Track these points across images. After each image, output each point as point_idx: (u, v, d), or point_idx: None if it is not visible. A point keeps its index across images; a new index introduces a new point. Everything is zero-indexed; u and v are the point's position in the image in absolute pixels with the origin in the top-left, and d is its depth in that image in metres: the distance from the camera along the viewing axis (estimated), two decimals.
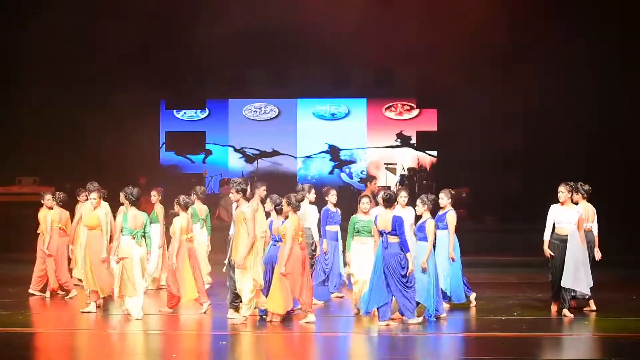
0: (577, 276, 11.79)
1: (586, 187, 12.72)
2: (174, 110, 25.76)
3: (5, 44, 21.91)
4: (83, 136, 22.28)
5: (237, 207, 11.68)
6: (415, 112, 25.41)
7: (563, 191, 12.07)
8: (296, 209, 11.61)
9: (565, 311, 11.91)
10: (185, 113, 25.83)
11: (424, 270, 11.65)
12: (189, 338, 11.11)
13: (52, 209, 13.87)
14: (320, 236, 13.27)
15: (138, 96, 23.08)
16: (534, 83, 22.27)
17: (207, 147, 25.63)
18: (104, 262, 12.35)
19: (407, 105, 25.46)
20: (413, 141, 25.25)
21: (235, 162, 25.54)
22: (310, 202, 13.19)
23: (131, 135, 22.97)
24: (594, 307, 12.37)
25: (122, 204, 12.20)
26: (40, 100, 21.85)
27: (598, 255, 12.52)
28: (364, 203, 12.06)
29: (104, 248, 12.36)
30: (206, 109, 25.74)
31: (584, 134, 21.94)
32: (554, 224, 12.06)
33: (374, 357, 10.46)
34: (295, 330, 11.58)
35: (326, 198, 13.47)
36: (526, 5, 21.60)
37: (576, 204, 12.73)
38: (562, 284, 11.83)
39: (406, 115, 25.50)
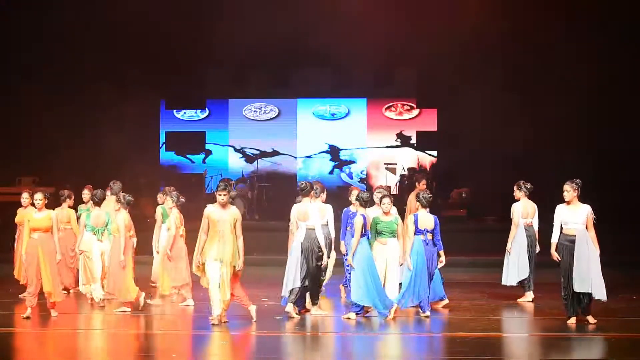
0: (589, 277, 11.26)
1: (528, 185, 13.67)
2: (174, 110, 25.77)
3: (5, 43, 21.91)
4: (83, 136, 22.30)
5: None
6: (415, 112, 25.41)
7: (569, 190, 11.57)
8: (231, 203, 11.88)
9: (590, 317, 11.45)
10: (185, 113, 25.83)
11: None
12: (189, 338, 11.10)
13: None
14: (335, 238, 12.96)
15: (138, 96, 23.11)
16: (534, 83, 22.29)
17: (207, 147, 25.63)
18: (58, 263, 12.25)
19: (407, 105, 25.46)
20: (413, 141, 25.25)
21: (235, 162, 25.54)
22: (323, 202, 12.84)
23: (131, 135, 22.99)
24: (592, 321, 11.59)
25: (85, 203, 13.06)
26: (40, 100, 21.85)
27: (538, 248, 13.36)
28: (386, 204, 11.99)
29: (59, 249, 12.22)
30: (206, 109, 25.74)
31: (584, 133, 21.94)
32: (561, 225, 11.50)
33: (374, 357, 10.47)
34: (296, 330, 11.59)
35: (349, 198, 13.27)
36: (526, 5, 21.61)
37: (517, 200, 13.25)
38: (575, 289, 11.31)
39: (406, 115, 25.50)
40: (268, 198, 23.40)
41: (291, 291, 12.01)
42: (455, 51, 22.03)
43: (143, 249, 14.33)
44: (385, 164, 24.15)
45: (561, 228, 11.50)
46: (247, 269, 11.81)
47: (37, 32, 21.68)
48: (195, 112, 25.81)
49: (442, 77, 23.10)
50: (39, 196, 12.07)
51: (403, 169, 23.83)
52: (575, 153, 21.82)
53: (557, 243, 11.48)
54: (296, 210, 12.20)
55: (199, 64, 24.49)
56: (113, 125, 22.52)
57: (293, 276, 11.98)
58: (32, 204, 12.61)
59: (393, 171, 23.86)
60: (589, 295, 11.31)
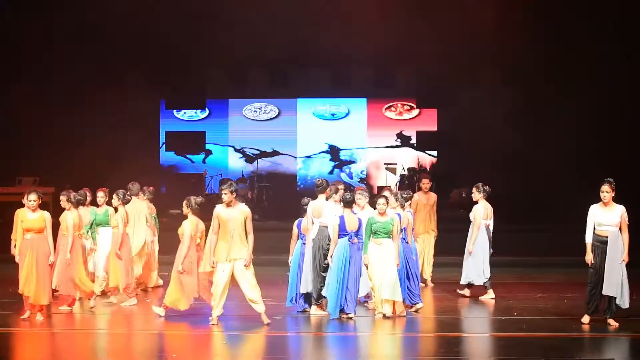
0: (619, 282, 11.21)
1: (487, 187, 14.20)
2: (174, 110, 25.75)
3: (4, 44, 21.90)
4: (83, 136, 22.28)
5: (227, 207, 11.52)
6: (415, 112, 25.40)
7: (608, 191, 11.31)
8: (195, 210, 12.23)
9: (612, 320, 11.38)
10: (185, 113, 25.82)
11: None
12: (189, 338, 11.11)
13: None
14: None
15: (138, 96, 23.10)
16: (534, 82, 22.29)
17: (207, 147, 25.62)
18: (52, 265, 12.16)
19: (407, 105, 25.45)
20: (413, 141, 25.24)
21: (235, 162, 25.53)
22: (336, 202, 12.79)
23: (131, 135, 22.98)
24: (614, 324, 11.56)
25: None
26: (40, 100, 21.84)
27: (491, 250, 14.00)
28: (380, 205, 12.01)
29: (52, 250, 12.21)
30: (206, 109, 25.73)
31: (585, 133, 21.94)
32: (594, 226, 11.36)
33: (374, 357, 10.47)
34: (296, 330, 11.60)
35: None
36: (526, 5, 21.61)
37: (476, 202, 13.48)
38: (604, 292, 11.20)
39: (406, 115, 25.49)
40: (268, 198, 23.38)
41: (311, 292, 12.24)
42: (455, 51, 22.02)
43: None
44: (385, 164, 24.13)
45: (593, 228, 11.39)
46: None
47: (37, 33, 21.66)
48: (195, 112, 25.80)
49: (442, 77, 23.09)
50: (32, 197, 11.96)
51: (403, 169, 23.82)
52: (575, 153, 21.84)
53: (591, 244, 11.36)
54: (312, 206, 12.38)
55: (199, 64, 24.47)
56: (113, 125, 22.51)
57: (311, 276, 12.22)
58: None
59: (393, 171, 23.84)
60: (615, 299, 11.27)
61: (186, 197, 12.75)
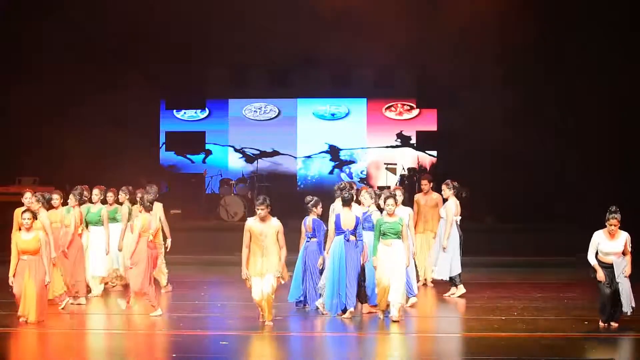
0: (631, 297, 11.29)
1: (456, 183, 14.41)
2: (174, 110, 25.75)
3: (4, 43, 21.90)
4: (83, 136, 22.27)
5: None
6: (415, 112, 25.40)
7: (615, 224, 11.29)
8: (147, 208, 12.30)
9: (614, 322, 11.47)
10: (185, 113, 25.82)
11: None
12: (189, 338, 11.10)
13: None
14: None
15: (138, 96, 23.10)
16: (534, 82, 22.29)
17: (207, 147, 25.62)
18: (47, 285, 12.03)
19: (407, 105, 25.45)
20: (413, 141, 25.24)
21: (235, 162, 25.53)
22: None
23: (131, 135, 22.98)
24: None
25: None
26: (40, 100, 21.85)
27: None
28: (389, 205, 11.93)
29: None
30: (206, 109, 25.73)
31: (585, 133, 21.94)
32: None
33: (374, 357, 10.47)
34: (296, 331, 11.60)
35: (359, 198, 13.19)
36: (527, 5, 21.60)
37: (446, 200, 14.07)
38: (623, 310, 11.25)
39: (406, 115, 25.49)
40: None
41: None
42: (455, 51, 22.02)
43: None
44: (385, 164, 24.13)
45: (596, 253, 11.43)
46: None
47: (38, 33, 21.65)
48: (195, 112, 25.80)
49: (442, 77, 23.08)
50: (27, 215, 11.75)
51: (403, 169, 23.81)
52: (576, 153, 21.85)
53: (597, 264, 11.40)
54: (334, 208, 12.52)
55: (199, 64, 24.47)
56: (113, 125, 22.51)
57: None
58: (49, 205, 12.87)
59: (393, 171, 23.84)
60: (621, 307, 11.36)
61: (140, 194, 13.05)
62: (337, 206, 12.59)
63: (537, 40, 21.91)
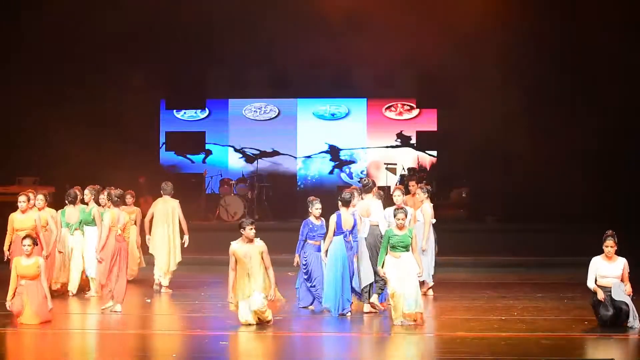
0: (637, 313, 11.29)
1: (429, 187, 14.48)
2: (174, 110, 25.74)
3: (4, 43, 21.89)
4: (83, 136, 22.25)
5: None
6: (415, 112, 25.39)
7: (612, 246, 11.33)
8: (115, 203, 12.67)
9: None
10: (185, 113, 25.81)
11: None
12: (189, 338, 11.11)
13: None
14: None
15: (138, 96, 23.09)
16: (535, 83, 22.28)
17: (207, 147, 25.61)
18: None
19: (407, 105, 25.44)
20: (413, 141, 25.23)
21: (235, 162, 25.52)
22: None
23: (131, 135, 22.97)
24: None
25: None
26: (40, 100, 21.83)
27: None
28: (400, 220, 11.66)
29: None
30: (206, 109, 25.72)
31: (586, 132, 21.93)
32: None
33: (374, 357, 10.47)
34: (297, 330, 11.60)
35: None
36: (526, 4, 21.60)
37: (421, 202, 14.07)
38: (629, 325, 11.21)
39: (406, 115, 25.48)
40: (268, 198, 23.38)
41: (369, 286, 12.39)
42: (455, 51, 22.00)
43: None
44: (385, 164, 24.12)
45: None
46: None
47: (38, 32, 21.65)
48: (195, 112, 25.79)
49: (442, 77, 23.08)
50: (27, 242, 11.71)
51: (403, 169, 23.82)
52: (576, 153, 21.83)
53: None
54: (360, 206, 12.48)
55: (199, 64, 24.46)
56: (113, 125, 22.49)
57: (370, 271, 12.28)
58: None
59: (393, 171, 23.84)
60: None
61: (107, 190, 13.45)
62: (364, 204, 12.59)
63: (537, 40, 21.91)
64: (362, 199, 12.65)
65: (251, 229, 11.38)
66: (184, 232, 14.62)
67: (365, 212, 12.48)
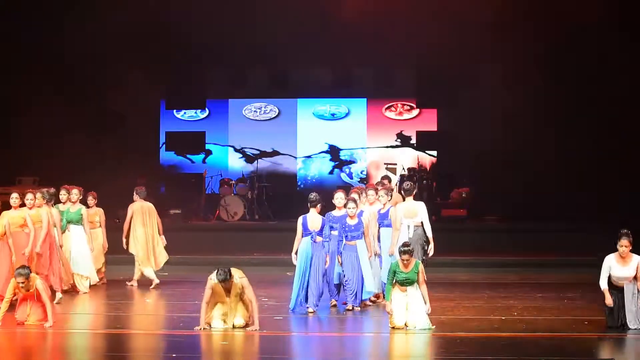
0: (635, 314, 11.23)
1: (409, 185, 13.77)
2: (174, 110, 25.73)
3: (4, 43, 21.90)
4: (83, 136, 22.27)
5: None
6: (415, 112, 25.39)
7: (627, 245, 11.12)
8: (49, 201, 13.49)
9: None
10: (185, 113, 25.81)
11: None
12: (189, 338, 11.09)
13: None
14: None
15: (138, 96, 23.09)
16: (534, 82, 22.28)
17: (207, 147, 25.60)
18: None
19: (407, 105, 25.44)
20: (413, 141, 25.23)
21: (235, 162, 25.52)
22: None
23: (131, 135, 22.96)
24: None
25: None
26: (39, 100, 21.84)
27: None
28: (405, 259, 11.23)
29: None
30: (206, 109, 25.71)
31: (586, 132, 21.93)
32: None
33: (374, 356, 10.47)
34: (297, 330, 11.60)
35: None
36: (526, 5, 21.61)
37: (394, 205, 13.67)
38: (630, 327, 11.10)
39: (406, 115, 25.48)
40: (268, 198, 23.37)
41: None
42: (455, 51, 22.01)
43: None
44: (385, 164, 24.09)
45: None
46: (248, 269, 11.78)
47: (38, 32, 21.65)
48: (195, 112, 25.79)
49: (442, 77, 23.09)
50: (20, 280, 11.31)
51: (403, 169, 23.81)
52: (576, 153, 21.84)
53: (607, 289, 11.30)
54: (404, 209, 12.76)
55: (199, 64, 24.46)
56: (113, 125, 22.49)
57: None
58: (23, 204, 13.00)
59: (393, 171, 23.82)
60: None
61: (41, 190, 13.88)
62: (408, 205, 12.82)
63: (537, 40, 21.91)
64: (403, 200, 12.97)
65: (225, 283, 10.92)
66: (160, 233, 15.13)
67: (411, 213, 12.75)
